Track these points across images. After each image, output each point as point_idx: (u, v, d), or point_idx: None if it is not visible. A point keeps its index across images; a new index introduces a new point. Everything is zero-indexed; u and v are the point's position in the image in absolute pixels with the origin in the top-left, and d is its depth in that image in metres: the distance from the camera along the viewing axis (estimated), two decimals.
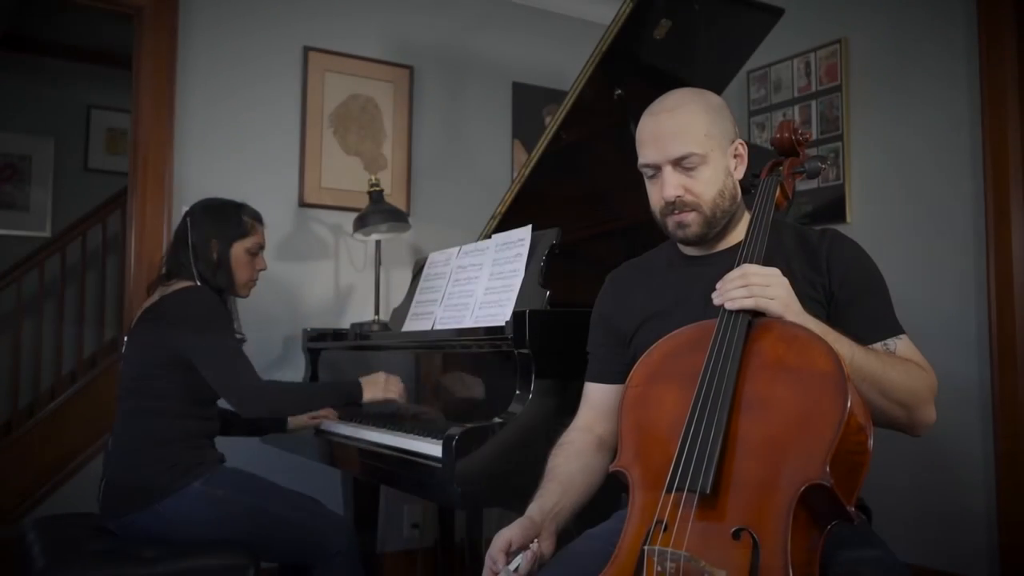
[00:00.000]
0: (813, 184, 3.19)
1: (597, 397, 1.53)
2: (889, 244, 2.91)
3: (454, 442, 1.63)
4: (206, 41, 2.99)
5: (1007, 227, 2.60)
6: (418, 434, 1.96)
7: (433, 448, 1.76)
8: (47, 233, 4.85)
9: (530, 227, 2.07)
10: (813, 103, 3.23)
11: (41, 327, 4.16)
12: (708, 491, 1.07)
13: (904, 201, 2.91)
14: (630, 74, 2.17)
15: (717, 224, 1.43)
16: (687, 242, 1.45)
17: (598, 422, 1.49)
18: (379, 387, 2.11)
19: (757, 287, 1.20)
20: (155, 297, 2.09)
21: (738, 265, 1.27)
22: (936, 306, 2.75)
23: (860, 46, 3.09)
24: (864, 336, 1.30)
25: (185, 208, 2.25)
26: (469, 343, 2.00)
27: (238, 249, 2.16)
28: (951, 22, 2.79)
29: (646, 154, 1.43)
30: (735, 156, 1.44)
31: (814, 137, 3.20)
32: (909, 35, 2.93)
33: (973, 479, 2.66)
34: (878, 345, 1.32)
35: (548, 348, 1.77)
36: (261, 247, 2.23)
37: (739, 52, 2.31)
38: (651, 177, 1.44)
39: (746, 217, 1.47)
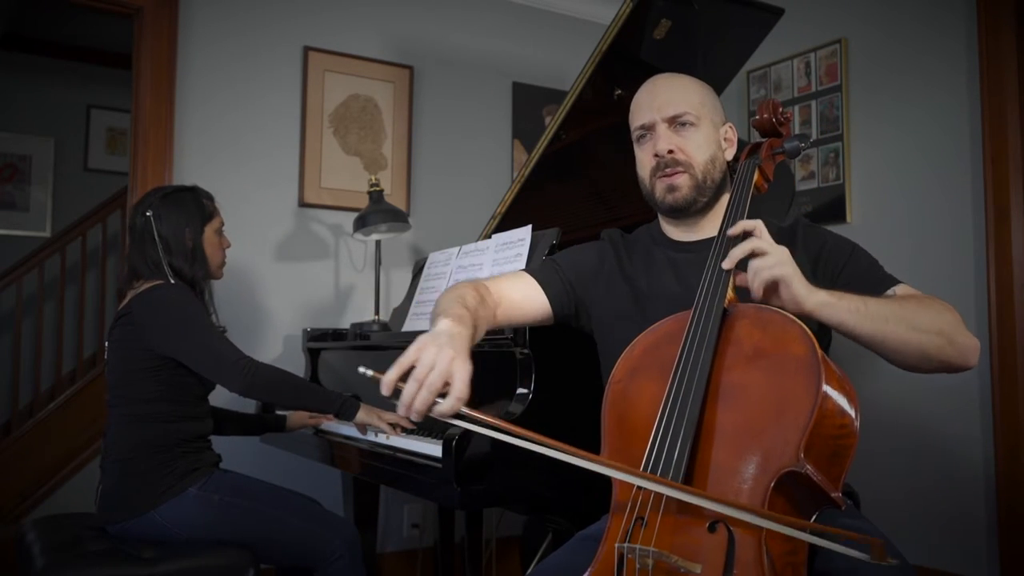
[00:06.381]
0: (813, 184, 3.19)
1: (525, 289, 1.54)
2: (889, 244, 2.91)
3: (454, 442, 1.63)
4: (206, 41, 2.99)
5: (1007, 227, 2.60)
6: (418, 434, 1.96)
7: (433, 448, 1.76)
8: (47, 233, 4.86)
9: (530, 227, 2.07)
10: (813, 103, 3.23)
11: (41, 327, 4.16)
12: (679, 482, 1.05)
13: (904, 201, 2.91)
14: (630, 74, 2.16)
15: (705, 192, 1.45)
16: (675, 208, 1.45)
17: (504, 303, 1.50)
18: (374, 414, 2.05)
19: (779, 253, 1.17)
20: (127, 299, 2.04)
21: (717, 246, 1.27)
22: None
23: (860, 46, 3.09)
24: (867, 294, 1.27)
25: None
26: None
27: (208, 233, 2.13)
28: (951, 21, 2.79)
29: (641, 116, 1.47)
30: (725, 139, 1.50)
31: (814, 137, 3.20)
32: (909, 35, 2.93)
33: (973, 479, 2.65)
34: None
35: (548, 348, 1.77)
36: (223, 224, 2.20)
37: (739, 52, 2.31)
38: (644, 139, 1.47)
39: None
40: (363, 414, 2.05)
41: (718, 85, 2.33)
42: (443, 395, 1.08)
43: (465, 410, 1.07)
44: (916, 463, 2.81)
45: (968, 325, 2.85)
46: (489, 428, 1.05)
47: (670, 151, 1.42)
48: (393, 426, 2.01)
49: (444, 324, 1.20)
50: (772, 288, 1.17)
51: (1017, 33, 2.63)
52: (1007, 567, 2.54)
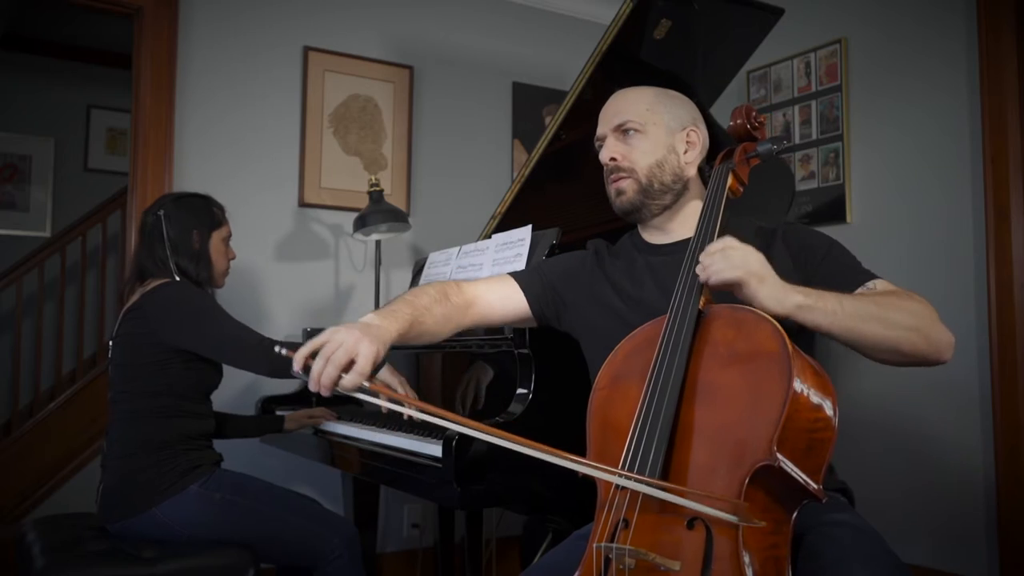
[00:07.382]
0: (813, 184, 3.19)
1: (503, 291, 1.58)
2: (889, 244, 2.91)
3: (454, 442, 1.63)
4: (206, 41, 2.99)
5: (1007, 227, 2.60)
6: (418, 434, 1.96)
7: (433, 448, 1.76)
8: (47, 233, 4.86)
9: (530, 227, 2.07)
10: (813, 103, 3.23)
11: (41, 327, 4.16)
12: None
13: (904, 201, 2.91)
14: (630, 74, 2.16)
15: (655, 196, 1.50)
16: (624, 211, 1.52)
17: (480, 304, 1.54)
18: (396, 378, 2.02)
19: (734, 257, 1.19)
20: (135, 297, 2.07)
21: (692, 249, 1.29)
22: (936, 306, 2.74)
23: (860, 46, 3.09)
24: (844, 290, 1.29)
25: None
26: (469, 343, 2.00)
27: (216, 239, 2.17)
28: (951, 21, 2.79)
29: (598, 129, 1.56)
30: (687, 141, 1.53)
31: (814, 137, 3.20)
32: (909, 35, 2.93)
33: (973, 479, 2.65)
34: (860, 290, 1.33)
35: (548, 348, 1.77)
36: (231, 235, 2.24)
37: (739, 52, 2.31)
38: (600, 150, 1.55)
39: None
40: (387, 372, 2.04)
41: (718, 85, 2.34)
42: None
43: (367, 384, 1.16)
44: (915, 462, 2.81)
45: (968, 325, 2.85)
46: (393, 403, 1.14)
47: (612, 159, 1.50)
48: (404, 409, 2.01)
49: (368, 316, 1.31)
50: (737, 290, 1.19)
51: (1017, 33, 2.63)
52: (1007, 567, 2.54)
